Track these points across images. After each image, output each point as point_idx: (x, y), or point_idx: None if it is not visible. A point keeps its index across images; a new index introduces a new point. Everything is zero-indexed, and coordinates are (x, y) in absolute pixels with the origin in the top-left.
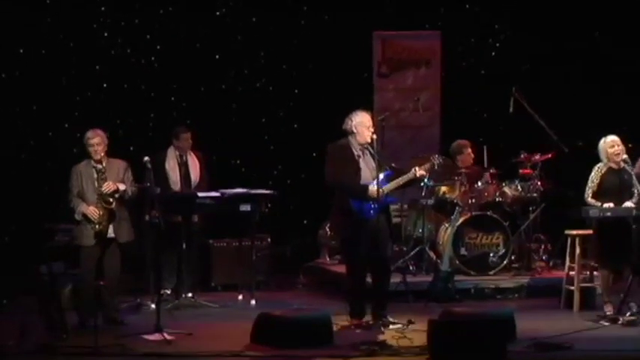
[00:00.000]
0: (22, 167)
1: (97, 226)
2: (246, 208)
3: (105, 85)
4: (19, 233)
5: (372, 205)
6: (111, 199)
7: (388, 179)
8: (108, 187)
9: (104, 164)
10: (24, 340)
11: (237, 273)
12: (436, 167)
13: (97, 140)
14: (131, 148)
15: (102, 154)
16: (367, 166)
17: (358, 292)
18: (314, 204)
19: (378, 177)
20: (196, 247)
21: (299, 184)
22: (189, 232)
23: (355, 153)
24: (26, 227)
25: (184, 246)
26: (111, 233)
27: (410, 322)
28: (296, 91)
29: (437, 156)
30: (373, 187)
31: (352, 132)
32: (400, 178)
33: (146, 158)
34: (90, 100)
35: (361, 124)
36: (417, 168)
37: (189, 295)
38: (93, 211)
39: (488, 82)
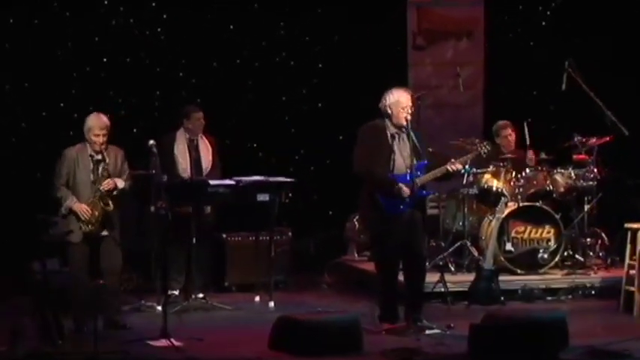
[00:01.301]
0: (12, 151)
1: (87, 227)
2: (264, 198)
3: (105, 60)
4: (9, 226)
5: (403, 200)
6: (111, 202)
7: (424, 169)
8: (108, 185)
9: (104, 154)
10: (15, 346)
11: (254, 271)
12: (483, 155)
13: (103, 130)
14: (134, 131)
15: (104, 145)
16: (402, 153)
17: (390, 293)
18: (340, 193)
19: (412, 166)
20: (208, 242)
21: (323, 170)
22: (199, 225)
23: (389, 136)
24: (16, 219)
25: (194, 241)
26: (104, 232)
27: (449, 327)
28: (320, 65)
29: (484, 143)
30: (403, 185)
31: (387, 112)
32: (434, 172)
33: (151, 142)
34: (88, 76)
35: (396, 104)
36: (452, 161)
37: (200, 296)
38: (85, 211)
39: (537, 56)
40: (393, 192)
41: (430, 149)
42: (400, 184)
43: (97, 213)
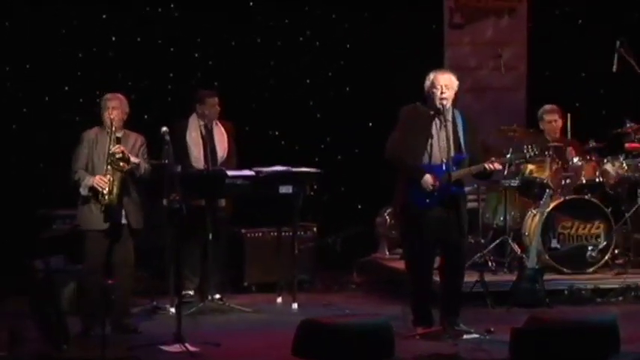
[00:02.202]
0: (13, 140)
1: (105, 197)
2: (286, 190)
3: (113, 39)
4: (9, 220)
5: (429, 192)
6: (122, 163)
7: (461, 164)
8: (119, 149)
9: (119, 134)
10: (15, 350)
11: (276, 270)
12: (529, 159)
13: (114, 103)
14: (145, 117)
15: (117, 122)
16: (440, 142)
17: (423, 295)
18: (370, 185)
19: (448, 158)
20: (225, 239)
21: (352, 160)
22: (216, 219)
23: (429, 121)
24: (17, 213)
25: (211, 237)
26: (123, 218)
27: (488, 332)
28: (348, 46)
29: (532, 146)
30: (430, 175)
31: (427, 96)
32: (470, 168)
33: (164, 129)
34: (95, 57)
35: (432, 84)
36: (492, 159)
37: (217, 296)
38: (100, 180)
39: (586, 35)
40: (419, 183)
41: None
42: (427, 174)
43: (112, 179)
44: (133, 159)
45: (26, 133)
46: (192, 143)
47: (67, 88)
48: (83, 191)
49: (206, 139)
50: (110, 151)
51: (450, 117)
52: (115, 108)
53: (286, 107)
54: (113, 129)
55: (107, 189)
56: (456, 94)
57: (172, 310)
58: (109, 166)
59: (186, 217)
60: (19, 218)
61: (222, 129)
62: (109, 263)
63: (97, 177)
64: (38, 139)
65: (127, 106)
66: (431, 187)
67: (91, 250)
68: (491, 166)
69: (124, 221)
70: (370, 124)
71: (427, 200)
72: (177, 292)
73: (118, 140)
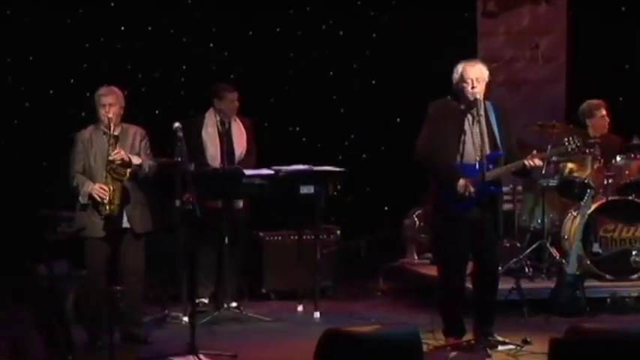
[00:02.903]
0: (14, 136)
1: (106, 208)
2: (307, 190)
3: (122, 28)
4: (10, 223)
5: (465, 198)
6: (122, 171)
7: (496, 161)
8: (118, 154)
9: (117, 132)
10: None
11: (296, 276)
12: (571, 152)
13: (110, 99)
14: (156, 112)
15: (115, 119)
16: (474, 140)
17: (455, 303)
18: (398, 185)
19: (483, 156)
20: (243, 242)
21: (378, 158)
22: (233, 221)
23: (461, 117)
24: (19, 215)
25: (227, 240)
26: (125, 223)
27: (525, 342)
28: (374, 35)
29: (574, 138)
30: (466, 179)
31: (457, 89)
32: (508, 166)
33: (176, 124)
34: (102, 48)
35: (461, 77)
36: (534, 153)
37: (233, 304)
38: (99, 189)
39: (630, 23)
40: (454, 185)
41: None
42: (462, 180)
43: (113, 188)
44: (134, 160)
45: (29, 129)
46: (208, 140)
47: (72, 80)
48: (82, 199)
49: (223, 136)
50: (109, 158)
51: (482, 111)
52: (111, 105)
53: (307, 101)
54: (111, 130)
55: (107, 199)
56: (487, 85)
57: (185, 319)
58: (108, 174)
59: (201, 219)
60: (20, 220)
61: (241, 125)
62: (116, 269)
63: (97, 186)
64: (41, 136)
65: (123, 99)
66: (467, 194)
67: (92, 258)
68: (531, 162)
69: (126, 225)
70: (398, 119)
71: (462, 204)
72: (191, 300)
73: (116, 139)
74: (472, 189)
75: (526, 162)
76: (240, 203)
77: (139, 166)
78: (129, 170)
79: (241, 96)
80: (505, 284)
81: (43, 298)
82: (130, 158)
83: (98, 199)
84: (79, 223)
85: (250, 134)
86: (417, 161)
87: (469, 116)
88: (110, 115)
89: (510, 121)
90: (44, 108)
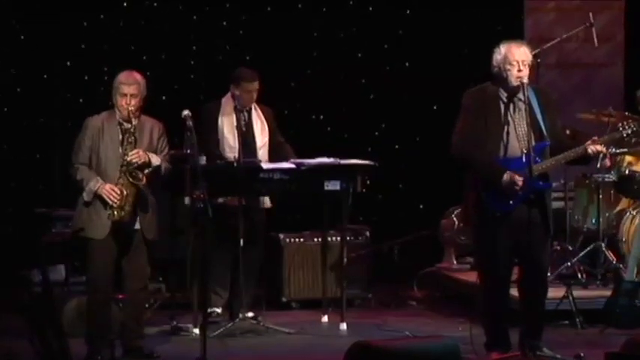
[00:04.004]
0: (4, 125)
1: (115, 213)
2: (333, 186)
3: (124, 4)
4: (1, 222)
5: (514, 193)
6: (140, 175)
7: (542, 152)
8: (137, 156)
9: (134, 123)
10: None
11: (320, 283)
12: (625, 138)
13: (133, 89)
14: (163, 98)
15: (136, 113)
16: (517, 130)
17: (498, 313)
18: (434, 181)
19: (529, 148)
20: (260, 245)
21: (412, 150)
22: (250, 221)
23: (502, 106)
24: (11, 213)
25: (242, 243)
26: (135, 225)
27: (577, 357)
28: (408, 12)
29: (627, 123)
30: (514, 173)
31: (497, 74)
32: (566, 154)
33: (186, 112)
34: (103, 26)
35: (505, 59)
36: (594, 139)
37: (250, 315)
38: (111, 191)
39: None
40: (499, 182)
41: (568, 131)
42: (508, 173)
43: (126, 192)
44: (154, 160)
45: (20, 117)
46: (225, 129)
47: (69, 63)
48: (87, 196)
49: (242, 125)
50: (127, 159)
51: (526, 97)
52: (133, 96)
53: (333, 86)
54: (131, 126)
55: (118, 203)
56: (532, 68)
57: (196, 331)
58: (123, 176)
59: (213, 218)
60: (13, 219)
61: (261, 114)
62: (119, 275)
63: (107, 186)
64: (35, 125)
65: (146, 89)
66: (514, 187)
67: (95, 262)
68: (594, 148)
69: (137, 227)
70: (435, 106)
71: (510, 202)
72: (202, 310)
73: (135, 137)
74: (520, 183)
75: (589, 148)
76: (268, 201)
77: (158, 167)
78: (146, 171)
79: (261, 83)
80: (555, 292)
81: (37, 308)
82: (149, 159)
83: (108, 201)
84: (79, 223)
85: (271, 125)
86: (455, 158)
87: (512, 105)
88: (131, 108)
89: (555, 107)
90: (37, 94)
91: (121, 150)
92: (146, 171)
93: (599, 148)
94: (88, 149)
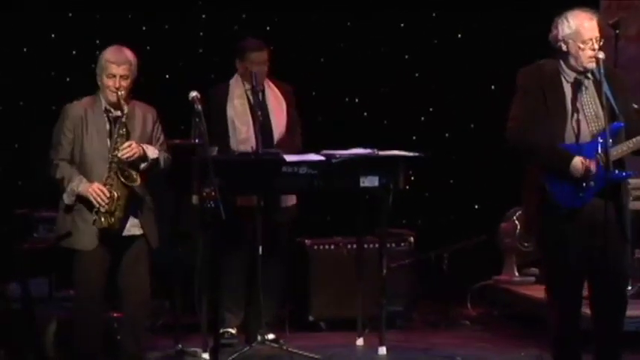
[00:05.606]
0: None
1: (102, 220)
2: (371, 182)
3: None
4: None
5: (584, 185)
6: (134, 174)
7: (616, 136)
8: (130, 150)
9: (125, 111)
10: None
11: (354, 299)
12: None
13: (123, 69)
14: (166, 77)
15: (124, 96)
16: (586, 111)
17: (569, 334)
18: (492, 177)
19: (604, 131)
20: (283, 253)
21: (464, 140)
22: (269, 225)
23: (566, 86)
24: None
25: (261, 250)
26: (129, 229)
27: None
28: None
29: None
30: (581, 160)
31: (561, 49)
32: (637, 139)
33: (193, 94)
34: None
35: (575, 37)
36: None
37: (270, 337)
38: (99, 192)
39: None
40: (567, 170)
41: (635, 105)
42: (577, 157)
43: (117, 194)
44: (150, 153)
45: (3, 104)
46: (236, 117)
47: (53, 35)
48: (67, 199)
49: (256, 109)
50: (119, 155)
51: (600, 74)
52: (123, 78)
53: (369, 63)
54: (122, 114)
55: (107, 207)
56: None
57: (205, 355)
58: (113, 175)
59: (226, 221)
60: None
61: (279, 94)
62: (113, 289)
63: (96, 186)
64: (14, 111)
65: (137, 68)
66: (588, 174)
67: (83, 277)
68: None
69: (128, 233)
70: (492, 86)
71: (578, 195)
72: (214, 331)
73: (127, 128)
74: (594, 168)
75: None
76: (294, 199)
77: (155, 160)
78: (142, 166)
79: (277, 54)
80: (636, 310)
81: (16, 328)
82: (144, 152)
83: (95, 203)
84: (63, 228)
85: (291, 107)
86: (511, 147)
87: (578, 85)
88: (121, 92)
89: (626, 83)
90: (16, 71)
91: (109, 143)
92: (142, 166)
93: None
94: (69, 143)
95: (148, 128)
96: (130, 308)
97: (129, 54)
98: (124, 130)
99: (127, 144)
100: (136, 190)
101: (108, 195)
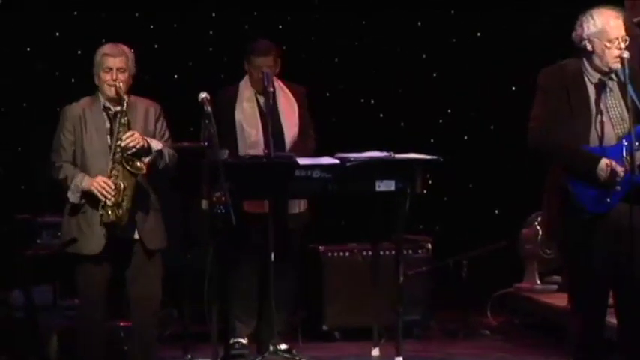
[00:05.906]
0: None
1: (110, 213)
2: (387, 187)
3: None
4: None
5: (609, 190)
6: (138, 163)
7: None
8: (133, 139)
9: (125, 106)
10: None
11: (371, 307)
12: None
13: (120, 62)
14: (175, 76)
15: (123, 89)
16: (611, 113)
17: (593, 345)
18: (512, 181)
19: (632, 135)
20: (295, 260)
21: (484, 143)
22: (281, 231)
23: (590, 87)
24: None
25: (273, 257)
26: (135, 233)
27: None
28: None
29: None
30: (607, 162)
31: (585, 49)
32: None
33: (203, 94)
34: None
35: (600, 36)
36: None
37: (283, 347)
38: (104, 185)
39: None
40: (593, 173)
41: None
42: (604, 160)
43: (123, 185)
44: (154, 145)
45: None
46: (245, 121)
47: (58, 34)
48: (73, 196)
49: (266, 112)
50: (121, 144)
51: (625, 75)
52: (120, 70)
53: (385, 62)
54: (121, 108)
55: (113, 200)
56: None
57: None
58: (117, 166)
59: (237, 226)
60: None
61: (290, 96)
62: (120, 298)
63: (100, 179)
64: (15, 112)
65: (134, 61)
66: (614, 177)
67: (86, 282)
68: None
69: (136, 237)
70: (513, 87)
71: (607, 200)
72: (224, 340)
73: (125, 119)
74: (621, 172)
75: None
76: (303, 205)
77: (160, 153)
78: (146, 160)
79: (289, 54)
80: None
81: (19, 337)
82: (148, 143)
83: (100, 197)
84: (68, 233)
85: (303, 109)
86: (533, 150)
87: (603, 86)
88: (119, 84)
89: None
90: (17, 71)
91: (109, 140)
92: (146, 159)
93: None
94: (71, 145)
95: (150, 122)
96: (138, 318)
97: (125, 48)
98: (125, 119)
99: (129, 133)
100: (141, 183)
101: (113, 187)
